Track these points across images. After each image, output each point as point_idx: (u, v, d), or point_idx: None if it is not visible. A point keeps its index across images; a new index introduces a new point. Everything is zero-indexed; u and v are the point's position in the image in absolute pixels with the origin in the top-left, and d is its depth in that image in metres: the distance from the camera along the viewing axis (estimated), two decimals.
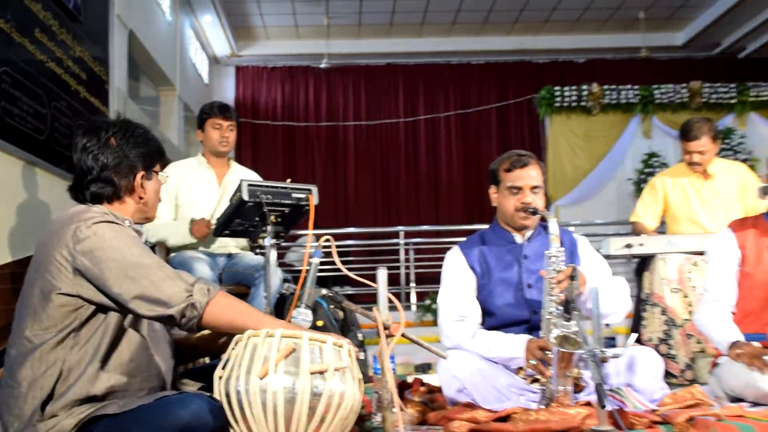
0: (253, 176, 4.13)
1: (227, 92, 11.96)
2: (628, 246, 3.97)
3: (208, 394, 1.90)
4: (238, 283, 4.00)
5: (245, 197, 3.22)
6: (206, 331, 2.34)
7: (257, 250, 4.08)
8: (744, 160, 8.97)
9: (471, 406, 2.59)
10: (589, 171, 10.37)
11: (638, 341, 3.85)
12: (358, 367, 1.99)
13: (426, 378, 3.61)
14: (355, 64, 12.25)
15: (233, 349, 1.93)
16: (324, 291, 2.25)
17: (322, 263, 2.29)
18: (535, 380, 2.73)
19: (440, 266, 3.11)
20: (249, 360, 1.87)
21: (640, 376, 2.71)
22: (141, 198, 2.17)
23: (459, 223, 9.66)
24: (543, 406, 2.58)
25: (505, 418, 2.48)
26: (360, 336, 4.19)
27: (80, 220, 1.97)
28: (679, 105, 10.27)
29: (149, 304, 1.91)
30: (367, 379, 3.08)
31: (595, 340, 2.36)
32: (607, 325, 4.86)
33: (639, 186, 9.76)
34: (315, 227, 3.07)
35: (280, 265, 6.86)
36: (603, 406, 2.15)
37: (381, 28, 11.74)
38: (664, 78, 10.97)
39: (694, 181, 4.43)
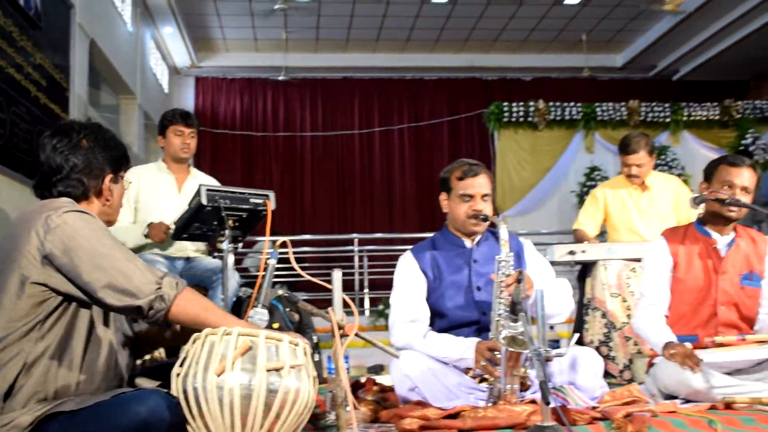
0: (213, 182, 4.08)
1: (187, 102, 11.84)
2: (572, 253, 4.03)
3: (165, 390, 1.86)
4: (196, 286, 3.93)
5: (204, 201, 3.19)
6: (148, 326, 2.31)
7: (215, 254, 4.03)
8: (678, 176, 9.19)
9: (422, 404, 2.59)
10: (535, 183, 10.50)
11: (580, 343, 3.90)
12: (313, 365, 1.98)
13: (379, 379, 3.61)
14: (312, 77, 12.25)
15: (191, 347, 1.90)
16: (280, 291, 2.23)
17: (278, 269, 2.27)
18: (483, 380, 2.73)
19: (393, 272, 3.11)
20: (206, 357, 1.83)
21: (581, 375, 2.75)
22: (107, 200, 2.13)
23: (412, 231, 9.69)
24: (491, 404, 2.60)
25: (454, 416, 2.48)
26: (315, 338, 4.17)
27: (50, 209, 1.92)
28: (618, 122, 10.47)
29: (118, 294, 1.87)
30: (321, 379, 3.05)
31: (540, 340, 2.38)
32: (551, 327, 4.93)
33: (581, 198, 9.91)
34: (272, 234, 3.04)
35: (238, 270, 6.79)
36: (547, 403, 2.16)
37: (338, 43, 11.76)
38: (604, 97, 11.19)
39: (633, 193, 4.52)
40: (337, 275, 2.24)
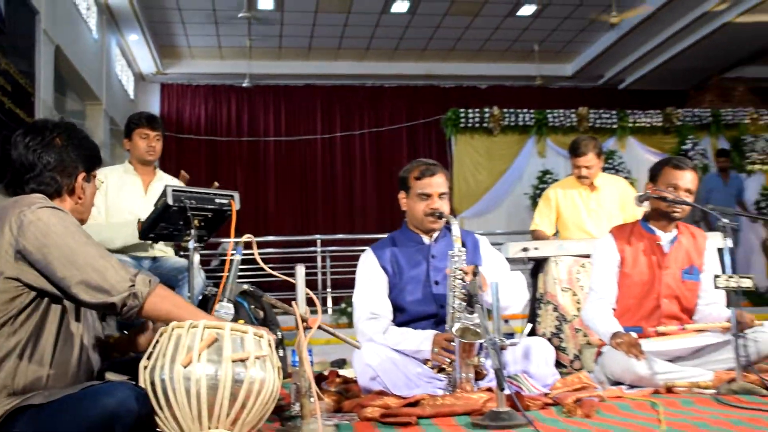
0: (178, 184, 4.05)
1: (152, 108, 11.70)
2: (525, 250, 4.08)
3: (133, 382, 1.85)
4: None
5: (170, 202, 3.15)
6: (123, 333, 2.29)
7: (181, 253, 3.99)
8: (625, 178, 9.35)
9: (383, 393, 2.61)
10: (490, 186, 10.59)
11: (533, 334, 3.96)
12: (277, 357, 1.98)
13: (342, 372, 3.61)
14: (276, 84, 12.20)
15: (158, 340, 1.89)
16: (245, 287, 2.23)
17: (243, 269, 2.27)
18: (441, 369, 2.77)
19: (355, 271, 3.11)
20: (173, 350, 1.83)
21: (534, 364, 2.80)
22: (80, 199, 2.09)
23: (372, 232, 9.70)
24: (449, 393, 2.63)
25: (414, 404, 2.50)
26: (279, 334, 4.15)
27: (24, 205, 1.89)
28: (569, 128, 10.60)
29: (92, 291, 1.85)
30: (286, 374, 3.05)
31: (495, 330, 2.42)
32: (506, 321, 4.99)
33: (534, 200, 10.03)
34: (236, 236, 3.03)
35: (205, 271, 6.72)
36: (502, 389, 2.21)
37: (300, 51, 11.74)
38: (555, 104, 11.33)
39: (582, 193, 4.60)
40: (300, 270, 2.24)
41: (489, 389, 2.57)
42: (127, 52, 10.76)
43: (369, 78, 12.44)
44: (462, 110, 10.58)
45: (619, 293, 3.35)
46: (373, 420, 2.37)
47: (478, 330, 2.47)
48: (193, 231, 3.21)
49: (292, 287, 2.24)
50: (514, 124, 10.66)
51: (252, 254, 2.25)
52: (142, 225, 3.46)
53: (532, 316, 4.15)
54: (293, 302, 2.16)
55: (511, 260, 4.08)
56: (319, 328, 2.17)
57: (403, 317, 2.95)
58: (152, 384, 1.81)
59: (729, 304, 2.83)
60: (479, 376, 2.69)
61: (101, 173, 3.86)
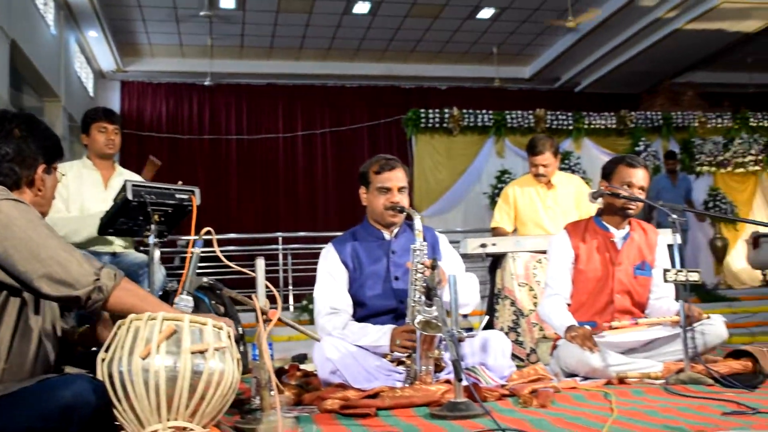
0: (138, 179, 3.97)
1: (113, 105, 11.47)
2: (483, 245, 4.11)
3: (91, 375, 1.81)
4: None
5: (130, 197, 3.11)
6: (86, 326, 2.24)
7: (141, 248, 3.92)
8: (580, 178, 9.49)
9: (343, 386, 2.60)
10: (450, 185, 10.63)
11: (490, 327, 4.00)
12: (237, 348, 1.96)
13: (302, 367, 3.59)
14: (237, 83, 12.09)
15: (116, 332, 1.86)
16: (205, 280, 2.20)
17: (204, 266, 2.24)
18: (401, 362, 2.77)
19: (316, 269, 3.08)
20: (131, 342, 1.80)
21: (492, 356, 2.82)
22: (39, 191, 2.04)
23: (334, 230, 9.66)
24: (408, 385, 2.63)
25: (374, 396, 2.50)
26: (240, 330, 4.10)
27: None
28: (526, 129, 10.69)
29: (55, 285, 1.80)
30: (246, 369, 3.02)
31: (453, 321, 2.43)
32: (465, 317, 5.02)
33: (493, 200, 10.09)
34: (197, 233, 2.99)
35: (167, 269, 6.63)
36: (460, 380, 2.22)
37: (262, 50, 11.65)
38: (513, 105, 11.41)
39: (539, 190, 4.66)
40: (260, 263, 2.22)
41: (447, 381, 2.58)
42: (86, 48, 10.54)
43: (331, 78, 12.41)
44: (422, 110, 10.60)
45: (573, 289, 3.40)
46: (332, 412, 2.37)
47: (438, 323, 2.48)
48: (153, 226, 3.17)
49: (252, 284, 2.22)
50: (474, 124, 10.72)
51: (212, 251, 2.22)
52: (101, 220, 3.40)
53: (490, 311, 4.18)
54: (253, 295, 2.14)
55: (469, 256, 4.12)
56: (279, 320, 2.15)
57: (363, 312, 2.95)
58: (110, 376, 1.78)
59: (678, 298, 2.90)
60: (438, 368, 2.70)
61: (60, 168, 3.79)
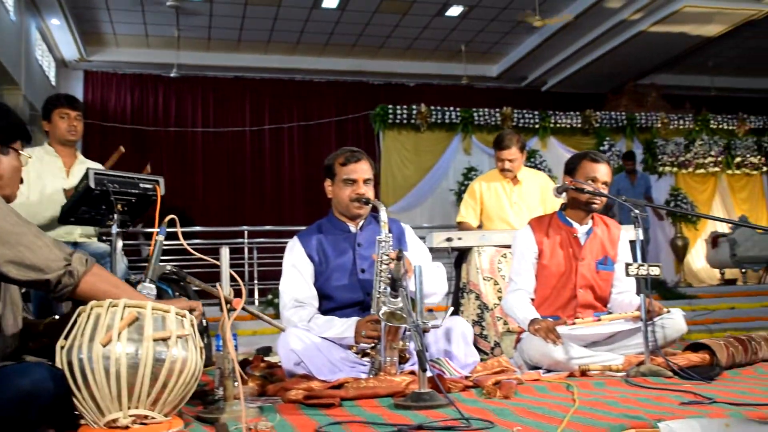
0: (101, 168, 3.90)
1: (75, 95, 11.17)
2: (449, 239, 4.13)
3: (50, 363, 1.78)
4: None
5: (92, 185, 3.06)
6: (57, 317, 2.20)
7: (103, 238, 3.85)
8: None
9: (307, 377, 2.59)
10: (417, 181, 10.66)
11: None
12: (200, 337, 1.94)
13: (266, 359, 3.56)
14: (204, 75, 11.96)
15: (76, 320, 1.82)
16: (168, 268, 2.17)
17: (168, 259, 2.20)
18: (365, 354, 2.77)
19: (280, 263, 3.07)
20: (92, 328, 1.77)
21: (455, 343, 2.83)
22: None
23: (300, 224, 9.61)
24: (372, 376, 2.63)
25: (338, 387, 2.49)
26: (204, 322, 4.06)
27: None
28: (493, 127, 10.77)
29: (23, 270, 1.78)
30: (210, 362, 2.99)
31: (418, 312, 2.44)
32: (430, 310, 5.04)
33: (459, 196, 10.15)
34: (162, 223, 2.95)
35: (136, 261, 6.54)
36: (424, 370, 2.23)
37: (229, 43, 11.54)
38: (481, 103, 11.50)
39: (505, 186, 4.69)
40: (224, 252, 2.20)
41: (412, 372, 2.58)
42: (48, 36, 10.32)
43: (299, 72, 12.35)
44: (390, 106, 10.61)
45: (537, 284, 3.42)
46: (296, 402, 2.36)
47: (403, 314, 2.48)
48: (115, 215, 3.13)
49: (217, 278, 2.19)
50: (441, 121, 10.77)
51: (177, 244, 2.19)
52: (62, 208, 3.34)
53: (456, 305, 4.20)
54: (217, 284, 2.12)
55: (435, 250, 4.13)
56: (244, 309, 2.14)
57: (329, 305, 2.94)
58: (69, 364, 1.75)
59: (639, 292, 2.94)
60: (403, 360, 2.70)
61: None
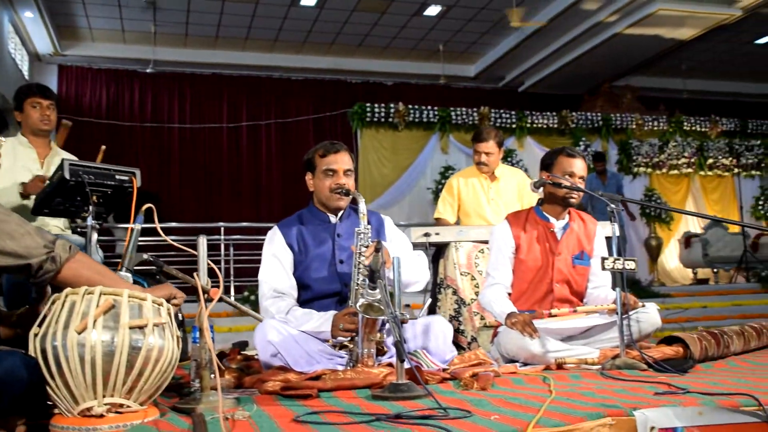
0: (76, 159, 3.84)
1: None
2: (426, 235, 4.13)
3: (23, 351, 1.75)
4: None
5: (67, 176, 3.01)
6: (26, 307, 2.17)
7: (78, 230, 3.80)
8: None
9: (284, 369, 2.57)
10: (394, 180, 10.67)
11: (433, 312, 4.03)
12: (176, 326, 1.92)
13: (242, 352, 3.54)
14: (181, 72, 11.85)
15: (50, 307, 1.80)
16: (145, 256, 2.14)
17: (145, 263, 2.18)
18: (343, 347, 2.76)
19: (258, 261, 3.05)
20: (67, 316, 1.75)
21: (433, 340, 2.84)
22: None
23: (277, 221, 9.54)
24: (349, 368, 2.63)
25: (315, 378, 2.48)
26: (180, 316, 4.02)
27: None
28: (471, 126, 10.82)
29: (3, 257, 1.78)
30: (185, 357, 2.95)
31: (396, 303, 2.43)
32: (408, 305, 5.03)
33: (436, 195, 10.18)
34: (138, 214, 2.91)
35: (110, 257, 6.43)
36: (402, 360, 2.22)
37: (207, 40, 11.44)
38: (459, 103, 11.55)
39: (483, 182, 4.71)
40: (202, 241, 2.18)
41: (390, 365, 2.58)
42: (21, 29, 10.15)
43: (276, 70, 12.28)
44: (368, 105, 10.62)
45: (514, 278, 3.44)
46: (274, 393, 2.34)
47: (381, 306, 2.47)
48: (91, 207, 3.08)
49: (193, 271, 2.17)
50: (419, 120, 10.80)
51: (154, 241, 2.17)
52: (35, 199, 3.28)
53: (433, 300, 4.20)
54: (194, 273, 2.10)
55: (413, 246, 4.12)
56: (221, 299, 2.12)
57: (307, 295, 2.93)
58: (43, 351, 1.72)
59: (615, 286, 2.97)
60: (380, 352, 2.70)
61: None
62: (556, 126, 11.45)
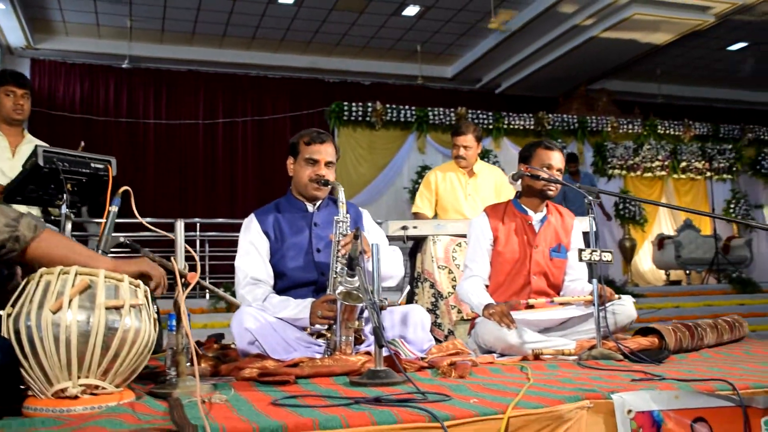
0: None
1: None
2: (404, 228, 4.14)
3: None
4: None
5: (41, 163, 2.96)
6: None
7: (52, 218, 3.74)
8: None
9: (261, 356, 2.55)
10: (371, 179, 10.68)
11: (411, 301, 4.03)
12: (153, 309, 1.90)
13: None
14: (157, 68, 11.74)
15: (24, 287, 1.76)
16: (122, 239, 2.11)
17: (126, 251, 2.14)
18: (321, 335, 2.75)
19: (233, 257, 3.03)
20: (41, 296, 1.71)
21: (411, 329, 2.83)
22: None
23: None
24: (327, 356, 2.61)
25: (293, 366, 2.46)
26: (155, 308, 3.97)
27: None
28: (448, 126, 10.84)
29: None
30: (160, 349, 2.91)
31: (375, 290, 2.43)
32: (385, 299, 5.03)
33: (413, 194, 10.19)
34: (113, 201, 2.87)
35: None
36: (381, 347, 2.21)
37: (183, 36, 11.35)
38: (436, 103, 11.59)
39: (461, 177, 4.73)
40: (179, 225, 2.16)
41: (368, 353, 2.57)
42: None
43: (253, 68, 12.22)
44: (345, 104, 10.61)
45: (491, 270, 3.46)
46: (251, 380, 2.32)
47: (359, 294, 2.47)
48: (65, 195, 3.03)
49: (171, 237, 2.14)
50: (396, 119, 10.81)
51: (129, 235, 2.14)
52: (3, 188, 3.23)
53: (411, 294, 4.21)
54: (171, 257, 2.07)
55: (390, 239, 4.12)
56: (199, 283, 2.10)
57: (283, 283, 2.91)
58: (17, 332, 1.69)
59: (591, 278, 2.99)
60: (359, 341, 2.69)
61: None
62: (532, 127, 11.54)
